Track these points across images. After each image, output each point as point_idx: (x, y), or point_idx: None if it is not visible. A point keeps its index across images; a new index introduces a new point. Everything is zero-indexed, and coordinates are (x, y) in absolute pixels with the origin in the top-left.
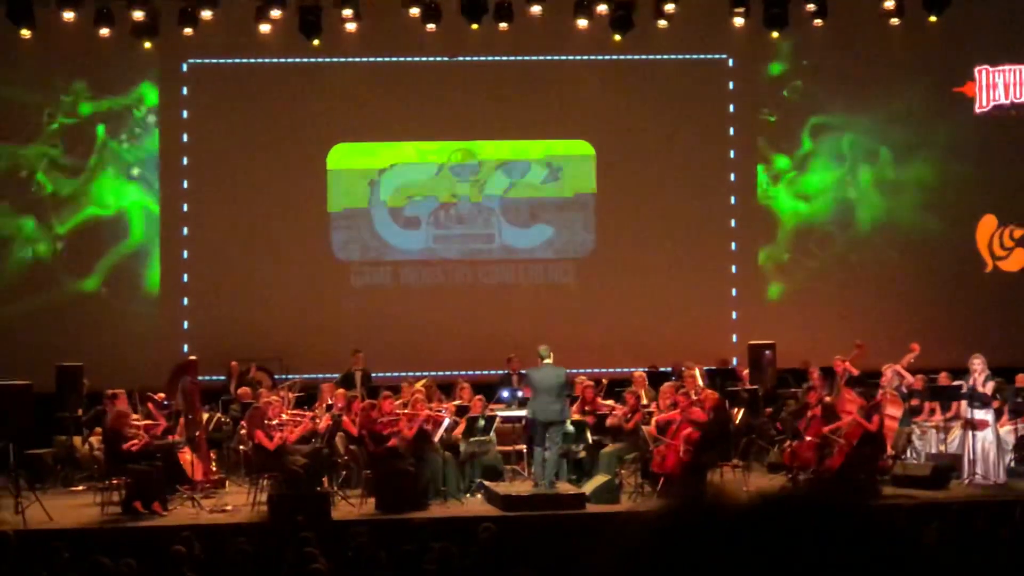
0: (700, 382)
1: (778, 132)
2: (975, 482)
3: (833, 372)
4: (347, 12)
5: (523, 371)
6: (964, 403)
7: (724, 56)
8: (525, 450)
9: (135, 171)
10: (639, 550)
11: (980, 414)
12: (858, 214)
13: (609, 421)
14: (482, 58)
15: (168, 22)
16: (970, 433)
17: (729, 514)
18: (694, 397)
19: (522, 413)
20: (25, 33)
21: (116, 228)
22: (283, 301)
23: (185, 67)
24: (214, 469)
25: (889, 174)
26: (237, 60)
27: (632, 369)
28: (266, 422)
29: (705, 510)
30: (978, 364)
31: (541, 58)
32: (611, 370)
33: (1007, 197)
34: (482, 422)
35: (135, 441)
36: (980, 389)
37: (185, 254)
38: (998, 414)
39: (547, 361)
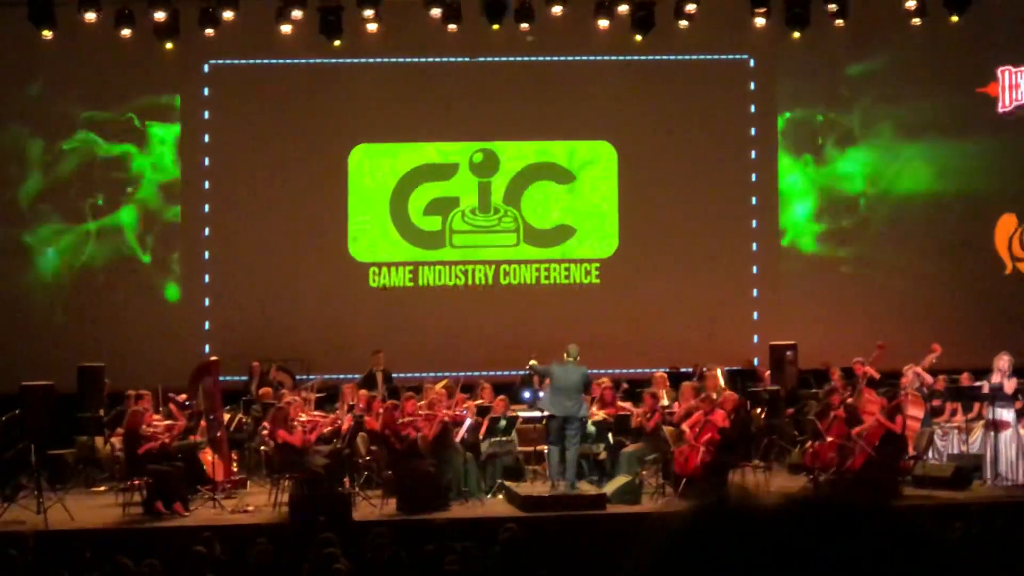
0: (721, 383)
1: (799, 134)
2: (997, 483)
3: (854, 373)
4: (368, 13)
5: (546, 366)
6: (987, 402)
7: (745, 56)
8: (546, 451)
9: (160, 173)
10: (663, 552)
11: (1002, 414)
12: (879, 215)
13: (635, 422)
14: (503, 59)
15: (189, 23)
16: (992, 433)
17: (752, 515)
18: (715, 398)
19: (543, 413)
20: (46, 34)
21: (137, 228)
22: (304, 301)
23: (206, 68)
24: (235, 469)
25: (910, 175)
26: (258, 61)
27: (653, 369)
28: (289, 422)
29: (728, 512)
30: (1004, 363)
31: (562, 59)
32: (632, 370)
33: None
34: (503, 423)
35: (152, 444)
36: (1007, 384)
37: (206, 255)
38: (1019, 414)
39: (571, 360)
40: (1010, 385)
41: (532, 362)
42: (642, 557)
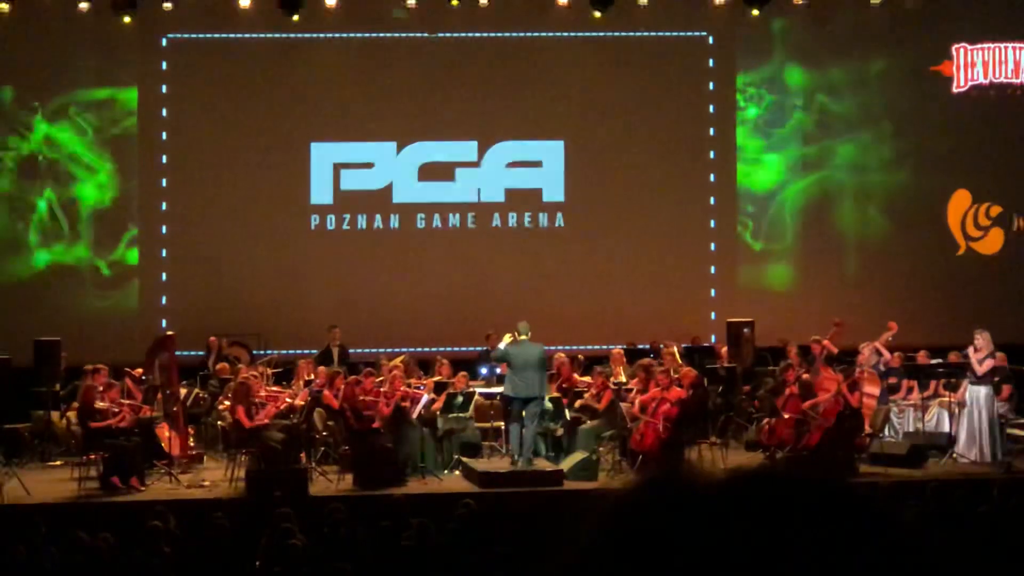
0: (678, 360)
1: (756, 111)
2: (960, 461)
3: (810, 350)
4: None
5: (500, 346)
6: (964, 380)
7: (704, 33)
8: (503, 427)
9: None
10: (612, 524)
11: (979, 391)
12: (835, 193)
13: (578, 403)
14: (461, 34)
15: None
16: (966, 410)
17: (704, 489)
18: (672, 375)
19: (500, 390)
20: (3, 7)
21: (95, 202)
22: (262, 276)
23: (164, 42)
24: (192, 444)
25: (866, 152)
26: (217, 35)
27: (610, 346)
28: (250, 399)
29: (680, 485)
30: (980, 340)
31: (520, 34)
32: (589, 347)
33: (984, 174)
34: (460, 399)
35: (110, 421)
36: (975, 366)
37: (164, 229)
38: (996, 391)
39: (524, 337)
40: (984, 365)
41: (499, 347)
42: (592, 530)
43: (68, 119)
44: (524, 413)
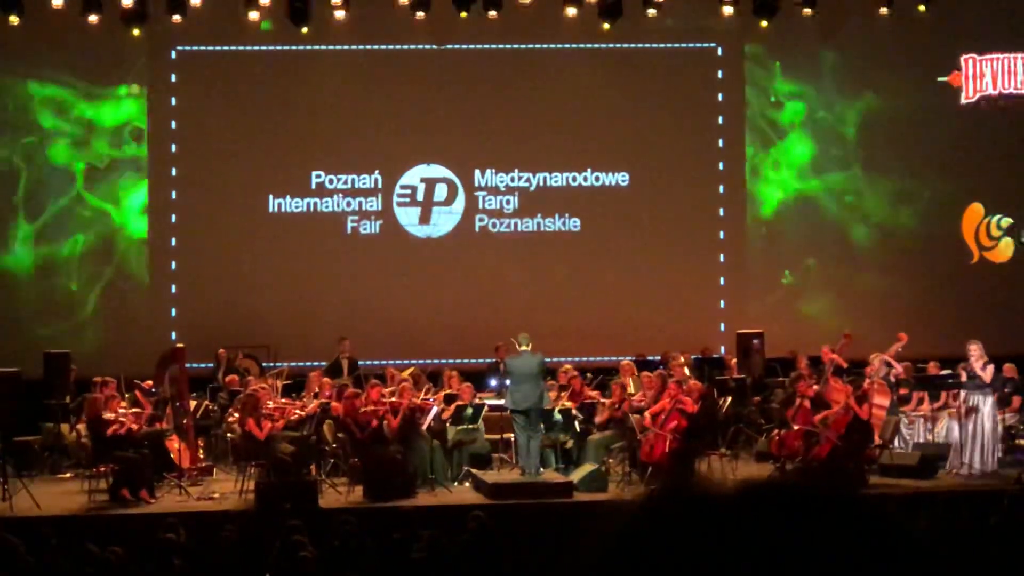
0: (686, 371)
1: (765, 123)
2: (962, 472)
3: (820, 361)
4: (336, 0)
5: (505, 360)
6: (964, 391)
7: (713, 45)
8: (513, 439)
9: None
10: (624, 537)
11: (980, 400)
12: (844, 204)
13: (599, 419)
14: (470, 46)
15: (156, 9)
16: (970, 420)
17: (715, 501)
18: (682, 387)
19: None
20: (13, 20)
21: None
22: (271, 289)
23: (174, 54)
24: (201, 456)
25: (875, 164)
26: (226, 47)
27: (620, 358)
28: (259, 411)
29: (691, 497)
30: (975, 350)
31: (528, 46)
32: (599, 358)
33: (994, 186)
34: (470, 410)
35: (118, 427)
36: (979, 373)
37: (173, 241)
38: (1000, 403)
39: (524, 349)
40: (987, 371)
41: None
42: (605, 542)
43: (77, 131)
44: (528, 424)
